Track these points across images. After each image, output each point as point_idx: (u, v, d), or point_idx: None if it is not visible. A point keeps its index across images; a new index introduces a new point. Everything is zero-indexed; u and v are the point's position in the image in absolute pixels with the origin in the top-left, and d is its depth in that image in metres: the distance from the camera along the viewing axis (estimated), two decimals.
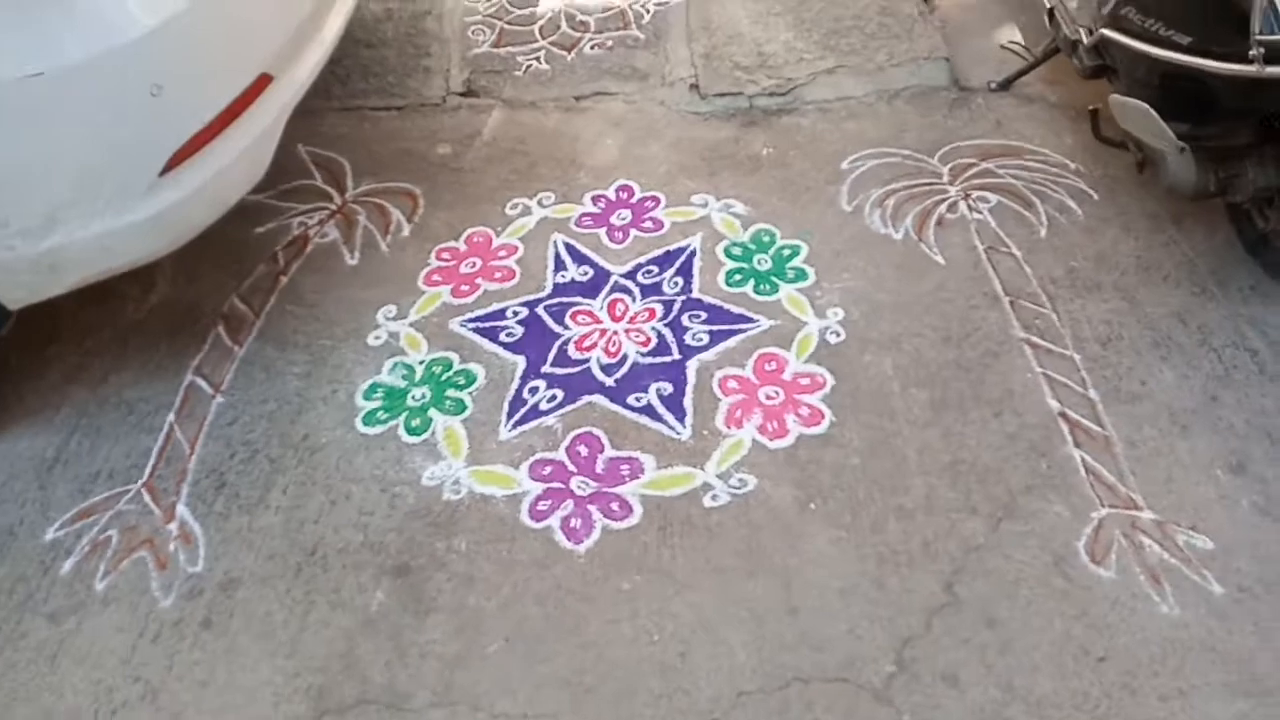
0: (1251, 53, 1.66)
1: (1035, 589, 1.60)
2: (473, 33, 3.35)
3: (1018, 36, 3.06)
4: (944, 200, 2.43)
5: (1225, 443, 1.78)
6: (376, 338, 2.26)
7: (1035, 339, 2.03)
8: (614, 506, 1.82)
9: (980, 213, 2.38)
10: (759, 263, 2.33)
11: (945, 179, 2.51)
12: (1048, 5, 2.64)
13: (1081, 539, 1.66)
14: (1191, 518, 1.66)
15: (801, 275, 2.28)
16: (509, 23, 3.38)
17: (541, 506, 1.84)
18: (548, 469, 1.91)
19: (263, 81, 1.94)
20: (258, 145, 1.96)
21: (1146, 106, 1.94)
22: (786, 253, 2.35)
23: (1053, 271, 2.19)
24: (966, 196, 2.44)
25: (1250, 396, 1.85)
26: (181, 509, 1.94)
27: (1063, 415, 1.87)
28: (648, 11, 3.33)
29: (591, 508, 1.82)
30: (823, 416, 1.93)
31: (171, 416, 2.13)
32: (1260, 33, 1.65)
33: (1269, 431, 1.79)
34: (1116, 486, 1.73)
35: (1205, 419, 1.83)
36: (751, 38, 3.13)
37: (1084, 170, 2.48)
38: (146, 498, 1.97)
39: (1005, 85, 2.85)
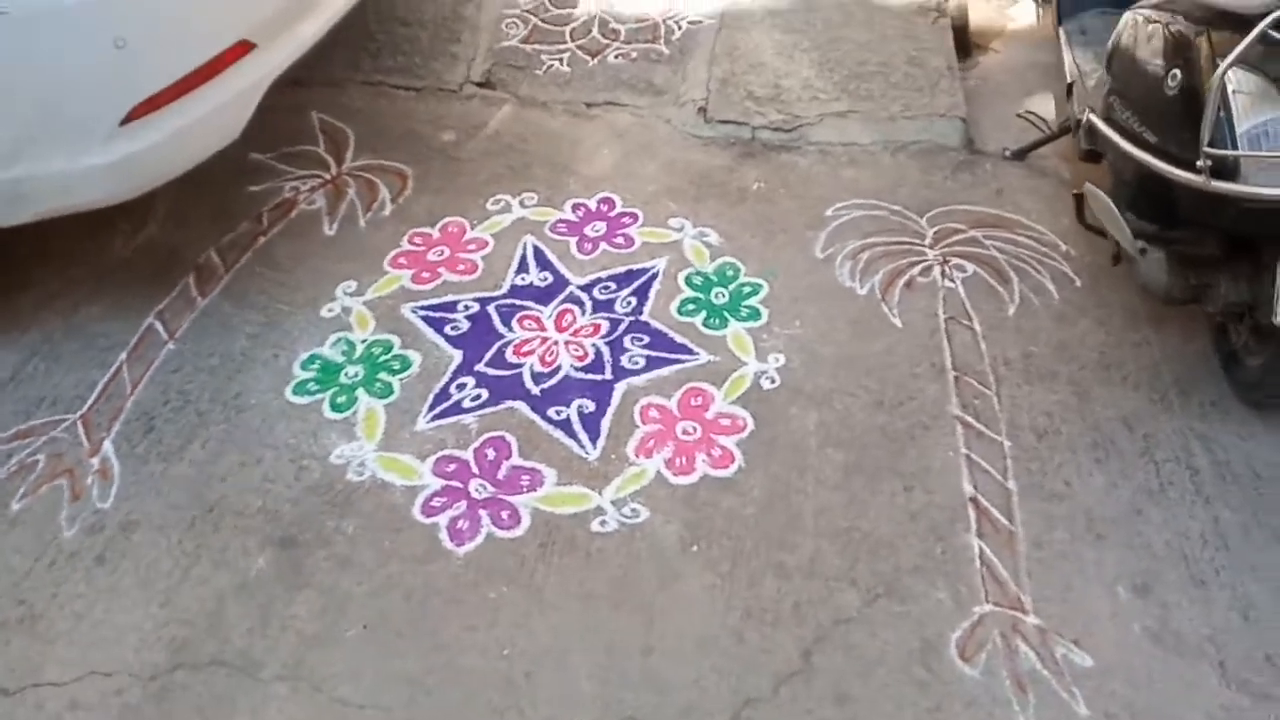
0: (1198, 163, 1.60)
1: (894, 673, 1.56)
2: (506, 25, 3.39)
3: (1051, 106, 2.98)
4: (919, 263, 2.38)
5: (1137, 560, 1.71)
6: (330, 310, 2.30)
7: (969, 419, 1.98)
8: (504, 515, 1.83)
9: (953, 281, 2.33)
10: (716, 296, 2.31)
11: (927, 241, 2.46)
12: (1068, 79, 2.57)
13: (956, 631, 1.61)
14: (1077, 631, 1.60)
15: (754, 315, 2.25)
16: (543, 20, 3.41)
17: (435, 503, 1.85)
18: (452, 466, 1.92)
19: (241, 48, 1.99)
20: (229, 109, 2.01)
21: (1107, 200, 1.88)
22: (746, 290, 2.33)
23: (1008, 353, 2.13)
24: (944, 262, 2.39)
25: (1177, 517, 1.77)
26: (108, 446, 2.00)
27: (974, 501, 1.81)
28: (679, 28, 3.33)
29: (482, 512, 1.83)
30: (732, 460, 1.91)
31: (124, 355, 2.20)
32: (1209, 144, 1.58)
33: (1187, 556, 1.71)
34: (1008, 584, 1.68)
35: (1123, 531, 1.75)
36: (772, 69, 3.10)
37: (1074, 254, 2.40)
38: (80, 429, 2.04)
39: (1020, 155, 2.78)
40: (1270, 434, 1.91)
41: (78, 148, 1.82)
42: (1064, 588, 1.66)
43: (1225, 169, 1.59)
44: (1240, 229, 1.71)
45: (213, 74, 1.92)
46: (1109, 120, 1.95)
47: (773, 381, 2.08)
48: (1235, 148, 1.57)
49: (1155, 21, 1.84)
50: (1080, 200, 2.19)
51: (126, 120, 1.82)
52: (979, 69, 3.31)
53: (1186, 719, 1.49)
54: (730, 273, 2.38)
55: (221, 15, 1.96)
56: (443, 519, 1.82)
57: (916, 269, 2.37)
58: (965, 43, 3.37)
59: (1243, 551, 1.71)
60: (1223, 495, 1.80)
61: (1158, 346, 2.13)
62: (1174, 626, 1.60)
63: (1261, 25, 1.50)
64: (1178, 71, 1.70)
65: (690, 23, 3.35)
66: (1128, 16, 1.99)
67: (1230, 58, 1.54)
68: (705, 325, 2.23)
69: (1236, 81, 1.57)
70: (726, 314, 2.26)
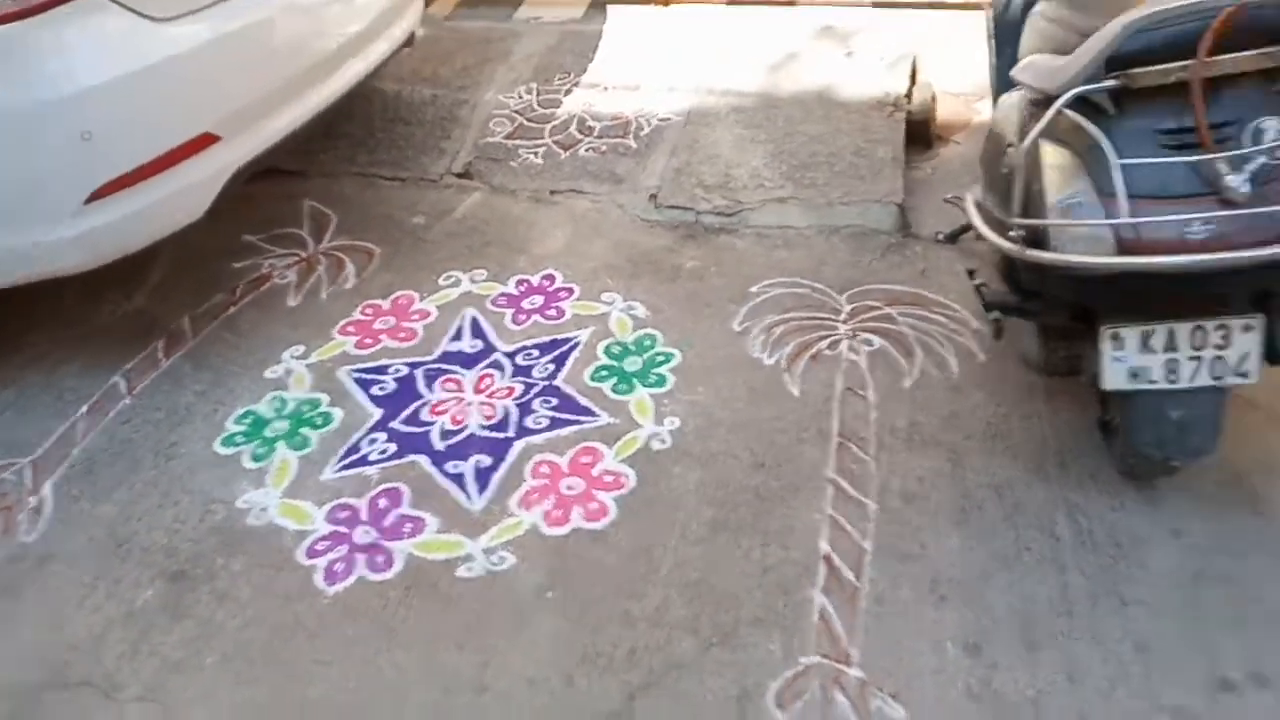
0: (1010, 233, 1.67)
1: (709, 718, 1.57)
2: (494, 124, 3.69)
3: None
4: (829, 337, 2.46)
5: (975, 620, 1.70)
6: (273, 371, 2.50)
7: (842, 482, 2.01)
8: (379, 559, 1.93)
9: (857, 354, 2.39)
10: (629, 364, 2.42)
11: (842, 317, 2.54)
12: None
13: (777, 680, 1.62)
14: (897, 685, 1.59)
15: (660, 382, 2.35)
16: (528, 119, 3.70)
17: (319, 546, 1.97)
18: (344, 514, 2.04)
19: (205, 140, 2.27)
20: (191, 192, 2.28)
21: (964, 269, 1.94)
22: (659, 359, 2.44)
23: (897, 422, 2.17)
24: (853, 336, 2.46)
25: (1026, 582, 1.76)
26: (48, 487, 2.19)
27: (826, 559, 1.84)
28: (649, 124, 3.57)
29: (359, 556, 1.94)
30: (606, 514, 1.98)
31: (84, 408, 2.43)
32: (1024, 215, 1.65)
33: (1026, 620, 1.69)
34: (840, 638, 1.69)
35: (968, 593, 1.75)
36: (725, 160, 3.29)
37: (984, 330, 2.44)
38: (29, 472, 2.24)
39: (951, 238, 2.86)
40: (1141, 506, 1.89)
41: (48, 223, 2.09)
42: (894, 643, 1.66)
43: (1042, 240, 1.66)
44: (1063, 297, 1.76)
45: (174, 162, 2.19)
46: (980, 199, 2.04)
47: (663, 443, 2.17)
48: (1047, 218, 1.64)
49: (1013, 104, 1.95)
50: (973, 275, 2.25)
51: (91, 199, 2.08)
52: (937, 159, 3.43)
53: None
54: (648, 342, 2.50)
55: (184, 110, 2.24)
56: (322, 561, 1.93)
57: (825, 342, 2.44)
58: (927, 135, 3.52)
59: (1085, 617, 1.68)
60: (1079, 563, 1.78)
61: (1048, 419, 2.14)
62: (996, 686, 1.58)
63: (1056, 105, 1.60)
64: (1010, 149, 1.79)
65: (660, 119, 3.59)
66: (1002, 100, 2.10)
67: (1031, 135, 1.64)
68: (614, 390, 2.34)
69: (1049, 156, 1.65)
70: (635, 380, 2.36)
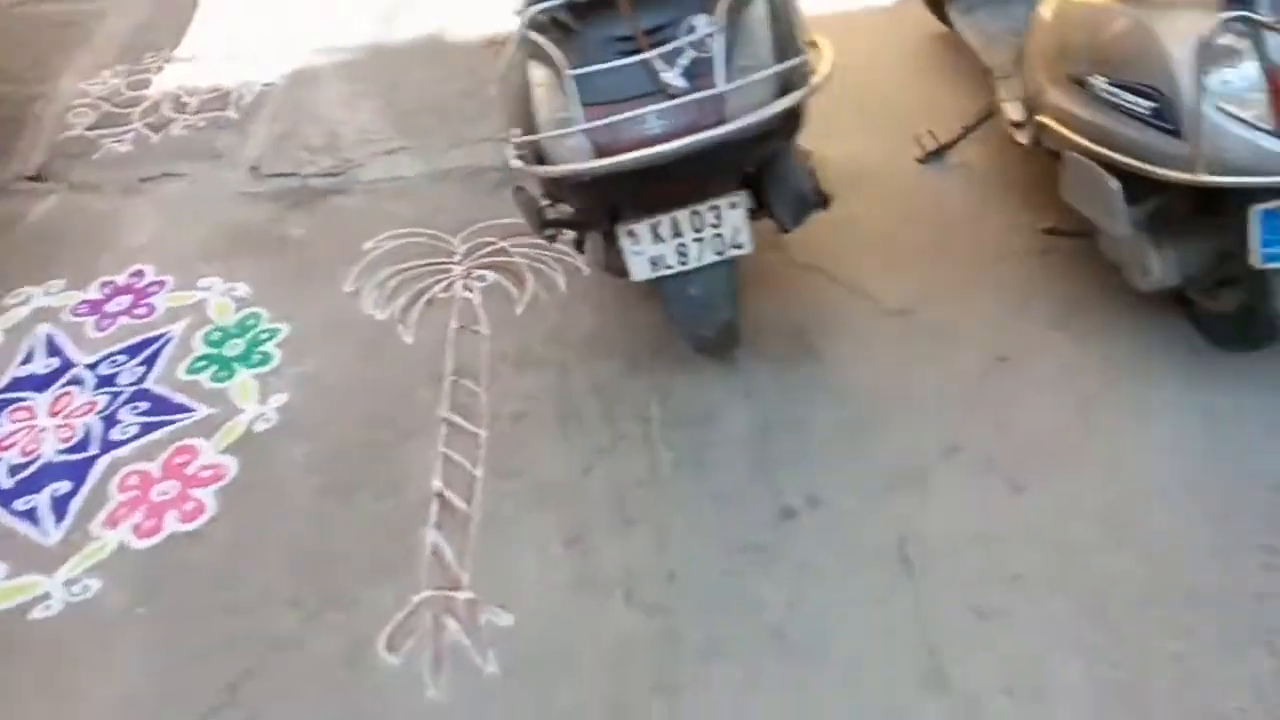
0: (519, 153, 1.71)
1: (317, 684, 1.54)
2: (74, 115, 3.29)
3: None
4: (443, 280, 2.44)
5: (576, 514, 1.79)
6: None
7: (456, 418, 2.02)
8: None
9: (471, 291, 2.40)
10: (231, 348, 2.27)
11: (457, 258, 2.53)
12: None
13: (389, 625, 1.62)
14: (504, 594, 1.65)
15: (266, 360, 2.23)
16: (114, 105, 3.33)
17: None
18: None
19: None
20: None
21: (521, 195, 2.00)
22: (264, 336, 2.30)
23: (508, 349, 2.20)
24: (467, 275, 2.46)
25: (622, 466, 1.87)
26: None
27: (440, 495, 1.85)
28: (251, 93, 3.33)
29: None
30: (204, 511, 1.86)
31: None
32: (524, 133, 1.70)
33: (622, 500, 1.80)
34: (451, 567, 1.71)
35: (569, 492, 1.83)
36: (331, 119, 3.15)
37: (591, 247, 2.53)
38: None
39: None
40: (719, 377, 2.06)
41: None
42: (500, 556, 1.71)
43: (544, 156, 1.70)
44: (580, 204, 1.85)
45: None
46: None
47: (268, 422, 2.06)
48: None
49: None
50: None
51: None
52: None
53: (588, 650, 1.55)
54: (251, 322, 2.35)
55: None
56: None
57: (440, 286, 2.43)
58: None
59: (671, 487, 1.82)
60: (667, 439, 1.92)
61: (643, 318, 2.27)
62: (593, 569, 1.68)
63: (519, 28, 1.64)
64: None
65: (263, 86, 3.37)
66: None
67: (503, 57, 1.68)
68: (213, 379, 2.19)
69: (536, 76, 1.69)
70: (236, 364, 2.22)
